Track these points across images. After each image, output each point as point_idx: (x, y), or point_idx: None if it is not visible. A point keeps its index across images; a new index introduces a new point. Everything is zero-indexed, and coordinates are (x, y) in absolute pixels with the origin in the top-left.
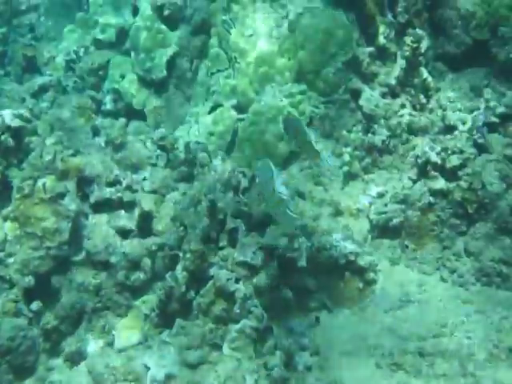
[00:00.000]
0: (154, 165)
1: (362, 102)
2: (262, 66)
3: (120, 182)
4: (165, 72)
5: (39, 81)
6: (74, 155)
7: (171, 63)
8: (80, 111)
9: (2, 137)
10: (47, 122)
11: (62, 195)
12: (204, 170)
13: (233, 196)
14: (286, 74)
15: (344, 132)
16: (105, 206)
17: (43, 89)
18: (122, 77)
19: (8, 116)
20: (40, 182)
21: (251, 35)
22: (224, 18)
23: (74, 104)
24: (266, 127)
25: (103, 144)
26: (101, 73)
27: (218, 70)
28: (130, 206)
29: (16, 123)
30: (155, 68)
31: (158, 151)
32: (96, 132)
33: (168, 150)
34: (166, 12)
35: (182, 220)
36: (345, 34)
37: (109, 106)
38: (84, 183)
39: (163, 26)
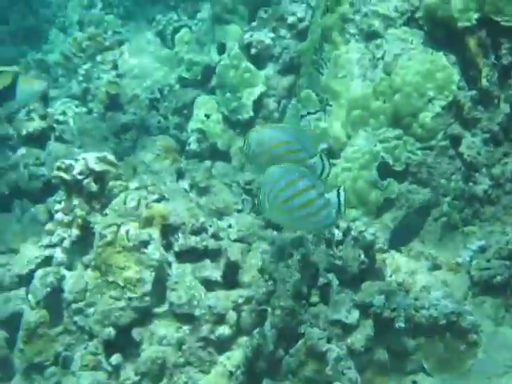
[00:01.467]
0: (240, 210)
1: (462, 148)
2: (356, 109)
3: (206, 230)
4: (251, 112)
5: (122, 119)
6: (158, 201)
7: (258, 103)
8: (164, 153)
9: (85, 181)
10: (130, 165)
11: (145, 243)
12: None
13: (326, 249)
14: (380, 117)
15: (442, 180)
16: (189, 255)
17: (126, 128)
18: (207, 116)
19: (92, 159)
20: (123, 230)
21: (344, 76)
22: (315, 57)
23: (158, 146)
24: (358, 173)
25: (187, 187)
26: (185, 112)
27: (309, 113)
28: (215, 255)
29: (100, 167)
30: (241, 108)
31: (244, 196)
32: (180, 175)
33: (254, 195)
34: (254, 50)
35: (271, 273)
36: (444, 77)
37: (193, 146)
38: (168, 231)
39: (251, 65)
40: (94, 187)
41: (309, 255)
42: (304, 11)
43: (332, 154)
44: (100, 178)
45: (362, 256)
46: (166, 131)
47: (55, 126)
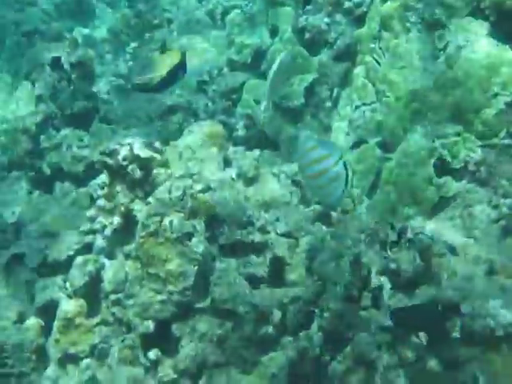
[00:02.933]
0: (287, 203)
1: None
2: (414, 102)
3: (252, 224)
4: (302, 99)
5: (168, 101)
6: (203, 191)
7: (310, 90)
8: (212, 139)
9: (130, 167)
10: (176, 150)
11: (189, 235)
12: (346, 218)
13: (379, 250)
14: (440, 112)
15: (503, 181)
16: (234, 249)
17: (172, 110)
18: (257, 102)
19: (137, 145)
20: (167, 220)
21: (403, 67)
22: (373, 45)
23: (206, 131)
24: (414, 170)
25: (234, 176)
26: (234, 96)
27: (364, 104)
28: (261, 250)
29: (145, 154)
30: (292, 94)
31: (292, 187)
32: (227, 163)
33: (302, 187)
34: (308, 35)
35: (320, 272)
36: (510, 72)
37: (241, 132)
38: (213, 223)
39: (303, 50)
40: (138, 174)
41: (361, 256)
42: None
43: (387, 147)
44: (145, 164)
45: (418, 259)
46: (214, 115)
47: (99, 105)
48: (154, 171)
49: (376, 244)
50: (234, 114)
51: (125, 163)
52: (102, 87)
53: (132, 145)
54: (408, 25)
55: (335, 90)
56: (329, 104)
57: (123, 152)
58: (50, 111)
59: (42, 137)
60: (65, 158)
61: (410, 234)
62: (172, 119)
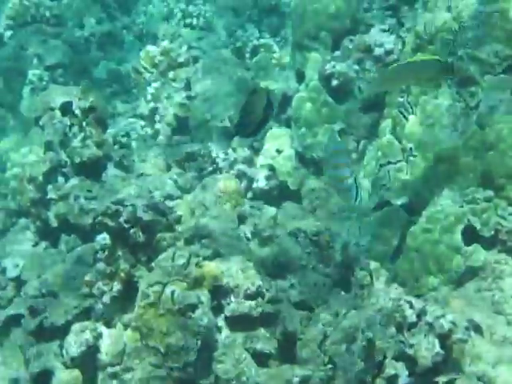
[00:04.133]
0: (304, 266)
1: None
2: (443, 163)
3: (262, 295)
4: None
5: (187, 148)
6: (211, 257)
7: None
8: (226, 195)
9: (132, 230)
10: (188, 206)
11: (192, 307)
12: (363, 294)
13: (396, 333)
14: (470, 175)
15: None
16: (242, 322)
17: (191, 157)
18: (279, 151)
19: (141, 206)
20: (169, 290)
21: (432, 125)
22: (401, 99)
23: (220, 186)
24: (440, 236)
25: (249, 234)
26: (255, 144)
27: (389, 162)
28: (270, 322)
29: (149, 216)
30: (317, 145)
31: (311, 248)
32: (242, 219)
33: (322, 248)
34: (335, 82)
35: (332, 354)
36: None
37: (261, 183)
38: (220, 293)
39: (330, 99)
40: (141, 237)
41: (375, 340)
42: (393, 43)
43: (413, 210)
44: (148, 227)
45: (438, 347)
46: (233, 164)
47: (116, 148)
48: (158, 235)
49: (392, 326)
50: (254, 163)
51: (127, 226)
52: (121, 129)
53: (136, 205)
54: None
55: (362, 142)
56: (355, 156)
57: (126, 214)
58: (58, 159)
59: (50, 186)
60: (72, 210)
61: (429, 318)
62: (190, 166)
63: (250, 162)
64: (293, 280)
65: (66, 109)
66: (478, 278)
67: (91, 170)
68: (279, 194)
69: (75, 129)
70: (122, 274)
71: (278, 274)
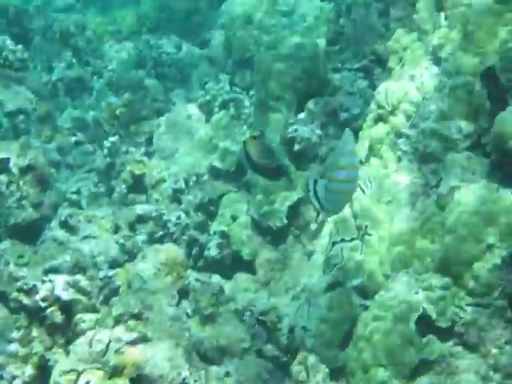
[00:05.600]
0: (247, 349)
1: None
2: (398, 245)
3: None
4: (285, 220)
5: (139, 210)
6: (136, 342)
7: (294, 210)
8: (168, 267)
9: (49, 310)
10: (126, 276)
11: None
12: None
13: None
14: (426, 259)
15: (494, 350)
16: None
17: (142, 220)
18: (234, 218)
19: (60, 284)
20: (83, 380)
21: (390, 202)
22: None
23: (162, 257)
24: (393, 326)
25: (190, 312)
26: (211, 208)
27: (343, 240)
28: None
29: (68, 295)
30: (274, 214)
31: (257, 327)
32: (184, 294)
33: (269, 329)
34: (297, 147)
35: None
36: (509, 222)
37: (213, 252)
38: (141, 383)
39: (291, 164)
40: (58, 318)
41: None
42: (360, 108)
43: (365, 294)
44: (67, 307)
45: None
46: (185, 231)
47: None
48: (77, 316)
49: None
50: (207, 229)
51: (44, 305)
52: (72, 185)
53: (54, 283)
54: (399, 153)
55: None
56: (314, 227)
57: (43, 292)
58: None
59: None
60: (0, 276)
61: None
62: (141, 229)
63: (202, 227)
64: (230, 367)
65: (3, 166)
66: (431, 372)
67: (26, 232)
68: (232, 264)
69: (12, 187)
70: (35, 359)
71: (215, 358)
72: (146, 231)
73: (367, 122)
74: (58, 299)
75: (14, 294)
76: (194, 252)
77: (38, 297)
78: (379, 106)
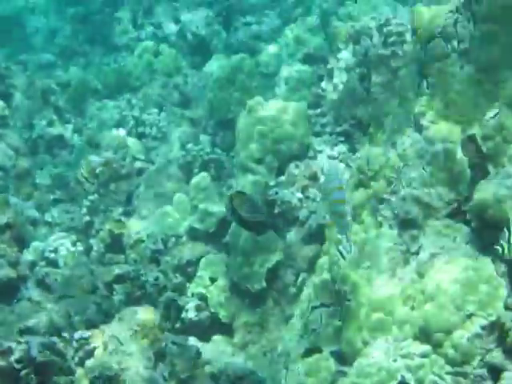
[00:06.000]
0: None
1: None
2: (377, 312)
3: None
4: (264, 283)
5: (116, 270)
6: None
7: (273, 273)
8: (144, 330)
9: (23, 372)
10: (102, 338)
11: None
12: None
13: None
14: (405, 327)
15: None
16: None
17: (120, 279)
18: (212, 280)
19: (35, 346)
20: None
21: (369, 267)
22: (340, 236)
23: (138, 319)
24: None
25: (166, 374)
26: (189, 270)
27: (322, 304)
28: None
29: (43, 357)
30: (253, 276)
31: None
32: (160, 357)
33: None
34: (277, 210)
35: None
36: (489, 291)
37: (191, 314)
38: None
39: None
40: (33, 381)
41: None
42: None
43: (344, 359)
44: (43, 369)
45: None
46: (163, 291)
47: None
48: (54, 379)
49: None
50: (186, 291)
51: (18, 366)
52: (50, 244)
53: (29, 345)
54: (380, 219)
55: (301, 276)
56: (293, 290)
57: (18, 353)
58: None
59: None
60: None
61: None
62: (118, 290)
63: (180, 289)
64: None
65: None
66: None
67: (3, 291)
68: (210, 326)
69: None
70: None
71: None
72: (122, 291)
73: (348, 186)
74: (32, 360)
75: None
76: (171, 314)
77: (12, 358)
78: (360, 172)
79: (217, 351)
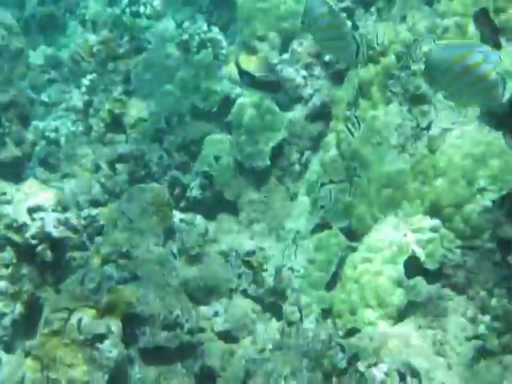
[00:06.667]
0: (232, 290)
1: None
2: (388, 187)
3: (181, 326)
4: (268, 161)
5: (119, 149)
6: (126, 280)
7: (277, 151)
8: (154, 207)
9: (39, 247)
10: (111, 216)
11: (101, 337)
12: (290, 332)
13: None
14: (416, 202)
15: (482, 292)
16: (158, 355)
17: (123, 159)
18: (217, 159)
19: (50, 222)
20: (75, 318)
21: (379, 143)
22: (348, 113)
23: (149, 198)
24: (381, 268)
25: (175, 251)
26: (193, 148)
27: (331, 181)
28: (189, 355)
29: (59, 233)
30: (258, 154)
31: (243, 268)
32: (170, 235)
33: (254, 270)
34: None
35: None
36: (501, 165)
37: (195, 192)
38: (134, 321)
39: (274, 106)
40: (48, 256)
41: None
42: None
43: (353, 235)
44: (58, 245)
45: None
46: (167, 170)
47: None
48: (68, 254)
49: (319, 372)
50: (190, 169)
51: (34, 242)
52: (50, 123)
53: (44, 221)
54: (389, 94)
55: (305, 154)
56: (297, 168)
57: (33, 229)
58: None
59: None
60: None
61: (361, 366)
62: (120, 169)
63: (184, 167)
64: (218, 307)
65: None
66: (419, 314)
67: (9, 170)
68: (214, 205)
69: None
70: (25, 296)
71: (203, 298)
72: (126, 171)
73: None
74: (48, 236)
75: (2, 232)
76: (176, 192)
77: (27, 234)
78: (369, 47)
79: (222, 229)
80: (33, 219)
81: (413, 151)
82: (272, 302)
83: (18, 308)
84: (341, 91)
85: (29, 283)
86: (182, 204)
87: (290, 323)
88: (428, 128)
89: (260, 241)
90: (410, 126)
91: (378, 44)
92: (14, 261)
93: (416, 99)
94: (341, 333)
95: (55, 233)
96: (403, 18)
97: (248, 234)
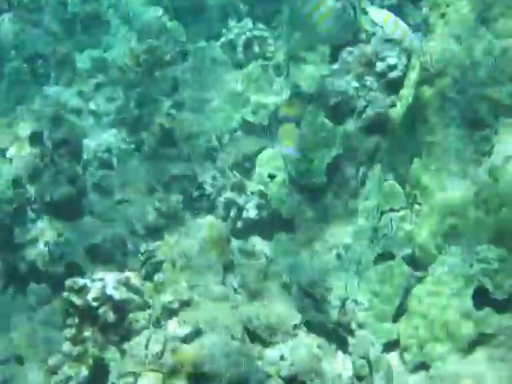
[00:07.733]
0: (297, 326)
1: None
2: (451, 216)
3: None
4: (324, 177)
5: (173, 170)
6: (191, 337)
7: (333, 166)
8: (211, 242)
9: (101, 309)
10: (170, 256)
11: None
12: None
13: None
14: (480, 231)
15: None
16: None
17: (176, 180)
18: (272, 177)
19: (111, 282)
20: (141, 383)
21: (439, 170)
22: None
23: (205, 231)
24: (448, 301)
25: (236, 286)
26: (247, 165)
27: (392, 209)
28: None
29: (120, 295)
30: (313, 171)
31: (306, 300)
32: (229, 268)
33: (317, 302)
34: (333, 101)
35: None
36: None
37: (251, 213)
38: (199, 381)
39: (327, 121)
40: (111, 317)
41: None
42: (396, 57)
43: (417, 265)
44: (120, 306)
45: None
46: (222, 191)
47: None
48: (130, 315)
49: None
50: (244, 189)
51: (95, 304)
52: (101, 143)
53: (105, 282)
54: (446, 119)
55: (361, 168)
56: (354, 183)
57: (94, 291)
58: (27, 196)
59: (17, 229)
60: (41, 256)
61: None
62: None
63: (239, 188)
64: (284, 349)
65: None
66: (490, 345)
67: (63, 208)
68: (271, 224)
69: (47, 160)
70: (90, 360)
71: (267, 336)
72: (179, 191)
73: (409, 82)
74: (109, 298)
75: (64, 294)
76: (231, 214)
77: (89, 296)
78: (423, 69)
79: (281, 250)
80: (93, 280)
81: (475, 177)
82: (338, 335)
83: (83, 371)
84: (399, 107)
85: (92, 346)
86: (239, 224)
87: (360, 378)
88: (489, 154)
89: (320, 263)
90: (471, 150)
91: (432, 66)
92: (77, 322)
93: (475, 124)
94: (409, 367)
95: (116, 295)
96: (457, 38)
97: (306, 254)
